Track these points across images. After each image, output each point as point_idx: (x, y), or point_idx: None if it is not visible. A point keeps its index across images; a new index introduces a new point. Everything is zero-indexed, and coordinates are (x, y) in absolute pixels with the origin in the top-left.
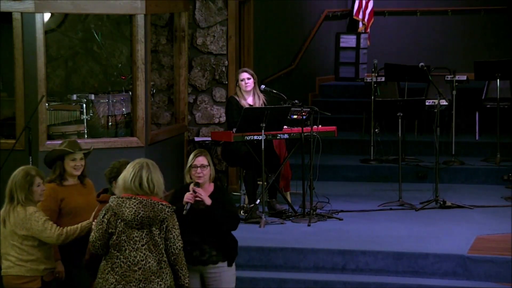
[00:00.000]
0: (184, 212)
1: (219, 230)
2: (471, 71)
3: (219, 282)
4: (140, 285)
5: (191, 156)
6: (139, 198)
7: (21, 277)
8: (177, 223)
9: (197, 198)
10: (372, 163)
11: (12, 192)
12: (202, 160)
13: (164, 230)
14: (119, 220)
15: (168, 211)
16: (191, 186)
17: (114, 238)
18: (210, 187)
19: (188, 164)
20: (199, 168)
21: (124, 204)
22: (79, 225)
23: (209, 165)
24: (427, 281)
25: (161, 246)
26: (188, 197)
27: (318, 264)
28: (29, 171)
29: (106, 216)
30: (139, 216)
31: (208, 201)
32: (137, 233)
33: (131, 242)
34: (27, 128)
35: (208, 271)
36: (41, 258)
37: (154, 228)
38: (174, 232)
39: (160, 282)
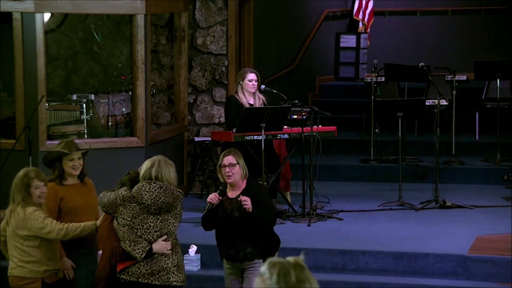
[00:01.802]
0: (204, 211)
1: (255, 228)
2: (471, 71)
3: (252, 278)
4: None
5: (221, 155)
6: (159, 182)
7: (22, 278)
8: None
9: (245, 206)
10: (372, 163)
11: (13, 193)
12: (230, 159)
13: (179, 215)
14: (135, 204)
15: (181, 198)
16: (216, 192)
17: (128, 220)
18: (243, 184)
19: (218, 164)
20: (227, 167)
21: (144, 188)
22: (82, 223)
23: (238, 163)
24: (427, 281)
25: (174, 232)
26: (211, 197)
27: (318, 264)
28: (28, 173)
29: (123, 193)
30: (159, 201)
31: (250, 209)
32: (152, 218)
33: (144, 227)
34: (27, 128)
35: (246, 267)
36: (42, 260)
37: (168, 216)
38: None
39: (166, 261)
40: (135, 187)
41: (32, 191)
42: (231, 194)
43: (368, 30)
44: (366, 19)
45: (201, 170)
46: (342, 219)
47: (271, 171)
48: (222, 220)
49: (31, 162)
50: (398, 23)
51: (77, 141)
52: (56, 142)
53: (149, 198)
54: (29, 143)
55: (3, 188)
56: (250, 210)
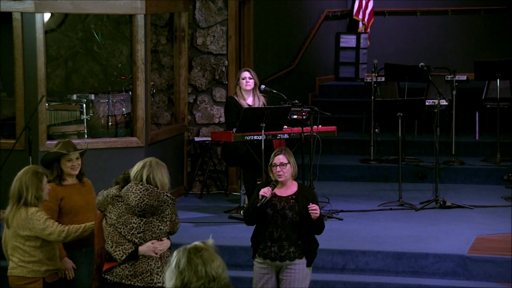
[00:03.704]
0: (258, 204)
1: (304, 229)
2: (471, 71)
3: (292, 279)
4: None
5: (272, 154)
6: (146, 185)
7: (23, 278)
8: (176, 210)
9: (315, 214)
10: (372, 163)
11: (21, 192)
12: (281, 158)
13: (167, 219)
14: (122, 203)
15: (170, 202)
16: (269, 187)
17: (114, 218)
18: (294, 186)
19: (269, 163)
20: (278, 167)
21: (131, 189)
22: (83, 225)
23: (289, 162)
24: (427, 281)
25: (158, 233)
26: (264, 191)
27: (318, 264)
28: (37, 169)
29: (113, 191)
30: (143, 203)
31: (317, 217)
32: (135, 220)
33: (127, 227)
34: (27, 128)
35: (284, 267)
36: (43, 260)
37: (154, 219)
38: (176, 216)
39: (150, 263)
40: (125, 187)
41: (44, 186)
42: (280, 192)
43: (368, 30)
44: (366, 19)
45: (201, 170)
46: (342, 219)
47: None
48: (270, 216)
49: (31, 162)
50: (398, 23)
51: (76, 141)
52: (56, 142)
53: (134, 199)
54: (29, 143)
55: (3, 188)
56: (317, 217)
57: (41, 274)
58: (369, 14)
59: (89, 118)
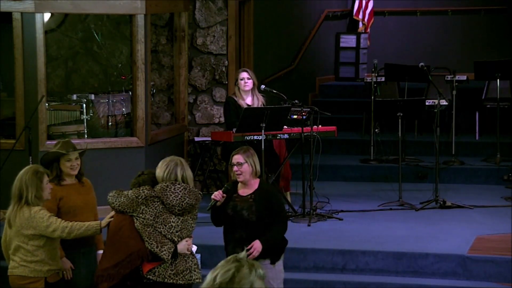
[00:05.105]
0: (207, 208)
1: (263, 230)
2: (471, 71)
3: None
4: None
5: (232, 154)
6: (183, 184)
7: (24, 277)
8: None
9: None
10: (372, 163)
11: (21, 191)
12: (237, 158)
13: (195, 216)
14: (158, 203)
15: (200, 200)
16: (220, 190)
17: (151, 219)
18: (255, 184)
19: (229, 162)
20: (235, 166)
21: (168, 189)
22: (87, 223)
23: (246, 162)
24: (427, 281)
25: (191, 230)
26: (215, 194)
27: (318, 264)
28: (38, 168)
29: (145, 192)
30: (184, 202)
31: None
32: (174, 218)
33: (167, 226)
34: (27, 128)
35: None
36: (45, 260)
37: (188, 217)
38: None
39: (187, 260)
40: (159, 187)
41: (44, 186)
42: (243, 192)
43: (368, 30)
44: (366, 19)
45: (201, 170)
46: (342, 219)
47: (271, 171)
48: (231, 217)
49: (31, 162)
50: (398, 23)
51: (76, 141)
52: (56, 142)
53: (174, 199)
54: (29, 143)
55: (3, 188)
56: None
57: (43, 274)
58: (369, 14)
59: (89, 118)
